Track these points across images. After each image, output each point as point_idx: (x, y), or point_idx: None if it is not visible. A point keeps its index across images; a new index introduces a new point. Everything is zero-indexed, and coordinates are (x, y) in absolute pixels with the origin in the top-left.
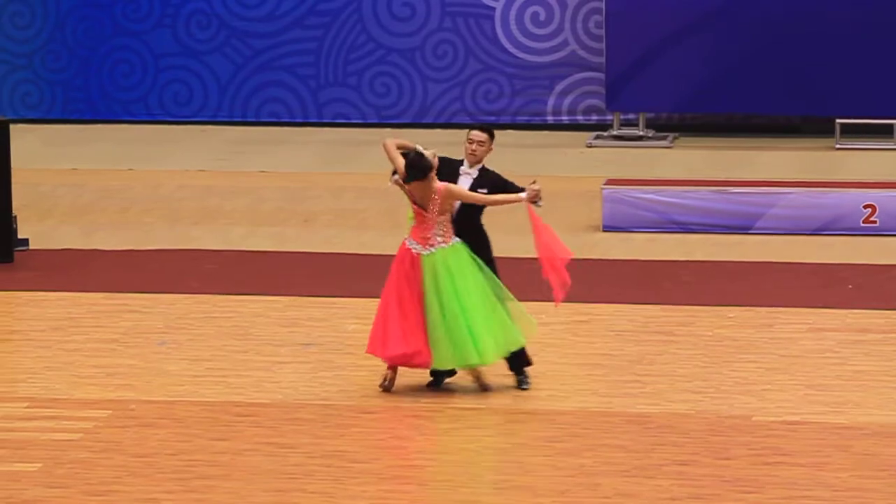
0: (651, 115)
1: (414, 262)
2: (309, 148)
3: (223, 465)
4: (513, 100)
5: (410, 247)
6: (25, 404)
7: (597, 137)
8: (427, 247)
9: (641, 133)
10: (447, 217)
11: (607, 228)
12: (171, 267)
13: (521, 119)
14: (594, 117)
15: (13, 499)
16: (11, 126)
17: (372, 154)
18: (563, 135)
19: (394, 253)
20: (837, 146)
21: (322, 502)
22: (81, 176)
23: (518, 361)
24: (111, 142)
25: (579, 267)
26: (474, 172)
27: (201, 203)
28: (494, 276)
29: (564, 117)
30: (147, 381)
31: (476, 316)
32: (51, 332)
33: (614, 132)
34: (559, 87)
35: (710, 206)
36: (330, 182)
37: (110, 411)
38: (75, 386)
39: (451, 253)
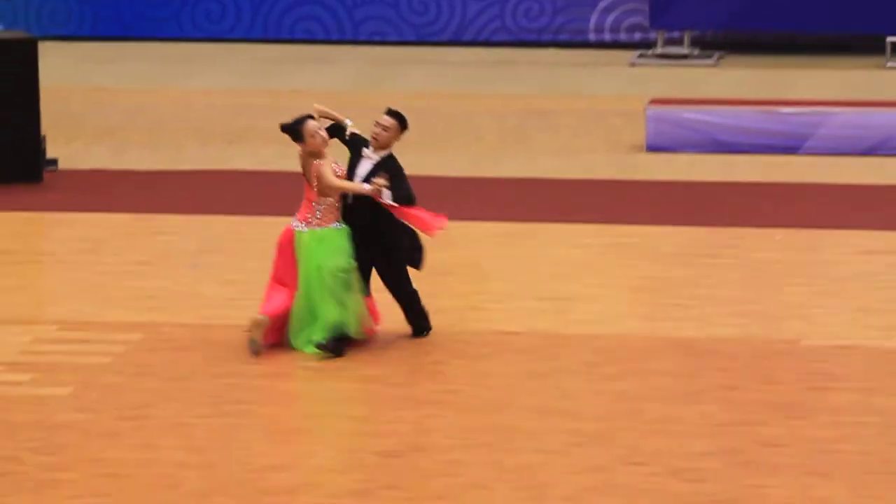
0: (696, 32)
1: (291, 238)
2: (344, 67)
3: (258, 389)
4: (554, 17)
5: (293, 223)
6: (55, 327)
7: (640, 56)
8: (304, 225)
9: (686, 52)
10: (331, 202)
11: (651, 149)
12: (203, 188)
13: (563, 37)
14: (637, 35)
15: (44, 423)
16: (39, 44)
17: (409, 73)
18: (606, 53)
19: (438, 174)
20: (888, 65)
21: (359, 427)
22: (111, 95)
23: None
24: (141, 60)
25: (622, 188)
26: (376, 157)
27: (233, 123)
28: (350, 269)
29: (607, 35)
30: (179, 304)
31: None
32: (81, 254)
33: (658, 51)
34: (602, 5)
35: (756, 127)
36: (365, 102)
37: (142, 335)
38: (106, 308)
39: (323, 236)
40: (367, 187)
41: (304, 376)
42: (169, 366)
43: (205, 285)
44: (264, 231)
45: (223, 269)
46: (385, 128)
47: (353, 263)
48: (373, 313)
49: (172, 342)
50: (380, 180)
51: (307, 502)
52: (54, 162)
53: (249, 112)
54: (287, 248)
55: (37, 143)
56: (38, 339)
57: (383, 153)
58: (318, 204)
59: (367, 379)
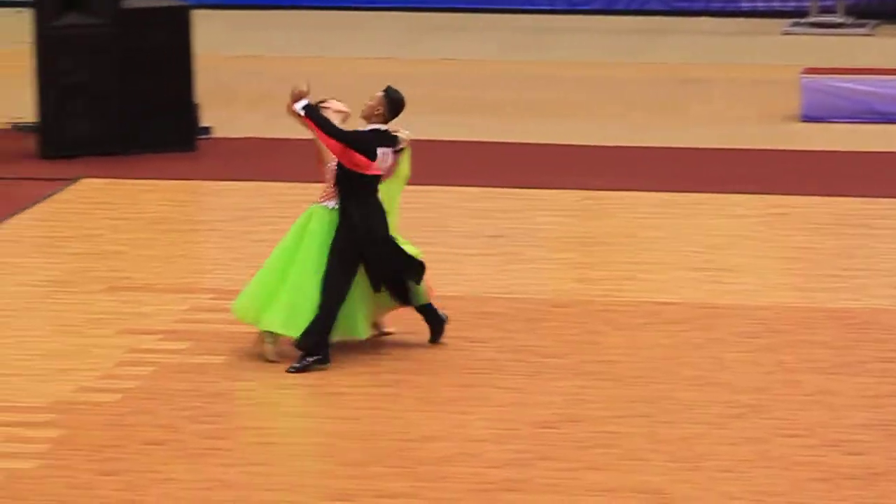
0: (850, 1)
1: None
2: (493, 35)
3: (412, 359)
4: None
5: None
6: (210, 296)
7: (794, 24)
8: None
9: (840, 20)
10: (330, 172)
11: (806, 119)
12: None
13: (716, 6)
14: (791, 4)
15: (200, 391)
16: (193, 12)
17: (560, 42)
18: (759, 22)
19: (590, 143)
20: None
21: (513, 398)
22: (264, 63)
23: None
24: (294, 28)
25: (776, 158)
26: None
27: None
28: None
29: (760, 3)
30: None
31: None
32: (235, 223)
33: (812, 19)
34: None
35: None
36: (516, 70)
37: None
38: None
39: (318, 214)
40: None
41: (457, 346)
42: None
43: None
44: (420, 200)
45: None
46: (371, 98)
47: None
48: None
49: None
50: (300, 86)
51: (462, 472)
52: (208, 130)
53: (401, 80)
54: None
55: (191, 111)
56: (195, 307)
57: (369, 126)
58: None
59: (521, 349)
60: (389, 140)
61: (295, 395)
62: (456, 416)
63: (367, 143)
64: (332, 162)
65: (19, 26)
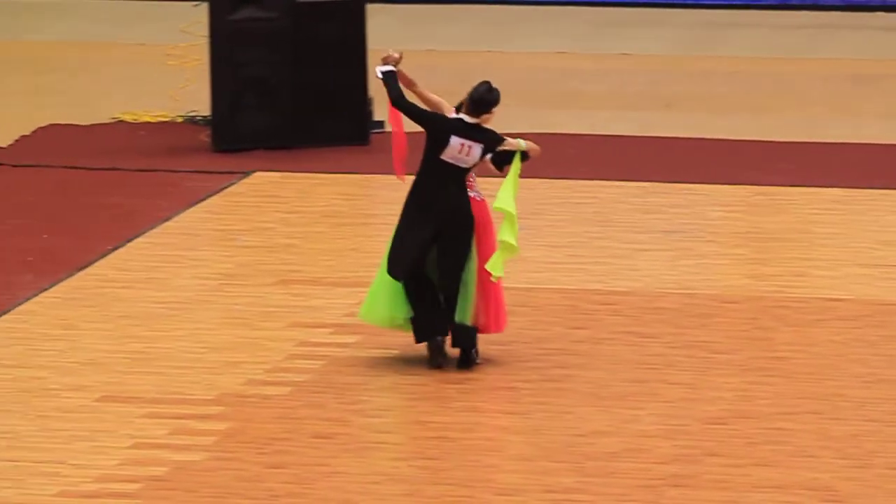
0: None
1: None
2: (670, 30)
3: (582, 354)
4: None
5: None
6: None
7: None
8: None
9: None
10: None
11: None
12: None
13: (893, 1)
14: None
15: (370, 384)
16: (367, 5)
17: (735, 38)
18: None
19: (764, 139)
20: None
21: (684, 393)
22: (438, 57)
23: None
24: (467, 23)
25: None
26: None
27: (562, 86)
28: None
29: None
30: (505, 267)
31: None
32: None
33: None
34: None
35: None
36: (693, 66)
37: None
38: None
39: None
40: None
41: (627, 341)
42: None
43: (529, 249)
44: (591, 195)
45: (549, 232)
46: None
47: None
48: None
49: None
50: (394, 52)
51: (630, 468)
52: (381, 124)
53: (578, 75)
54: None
55: (364, 105)
56: None
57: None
58: None
59: (692, 345)
60: (479, 134)
61: (465, 389)
62: (625, 412)
63: (428, 120)
64: None
65: (195, 20)
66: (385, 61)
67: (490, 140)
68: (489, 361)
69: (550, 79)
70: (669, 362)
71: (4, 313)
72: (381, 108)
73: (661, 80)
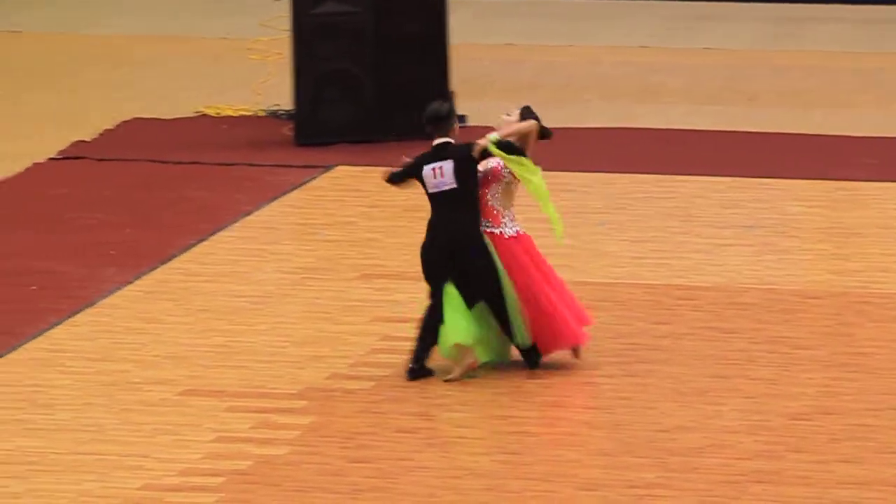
0: None
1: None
2: (752, 25)
3: (664, 349)
4: None
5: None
6: None
7: None
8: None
9: None
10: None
11: None
12: (611, 145)
13: None
14: None
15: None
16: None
17: (818, 31)
18: None
19: (844, 133)
20: None
21: (765, 389)
22: (518, 51)
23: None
24: (547, 16)
25: None
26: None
27: (642, 80)
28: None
29: None
30: (586, 262)
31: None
32: None
33: None
34: None
35: None
36: (774, 60)
37: None
38: None
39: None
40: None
41: (709, 336)
42: None
43: (612, 244)
44: (672, 189)
45: (630, 227)
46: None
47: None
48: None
49: (580, 300)
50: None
51: (713, 463)
52: (463, 118)
53: (658, 70)
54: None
55: (446, 99)
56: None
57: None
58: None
59: (774, 340)
60: (445, 152)
61: (546, 384)
62: (707, 407)
63: (408, 171)
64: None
65: (278, 14)
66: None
67: (458, 152)
68: (570, 357)
69: (631, 73)
70: (751, 358)
71: (88, 306)
72: (463, 103)
73: (741, 74)
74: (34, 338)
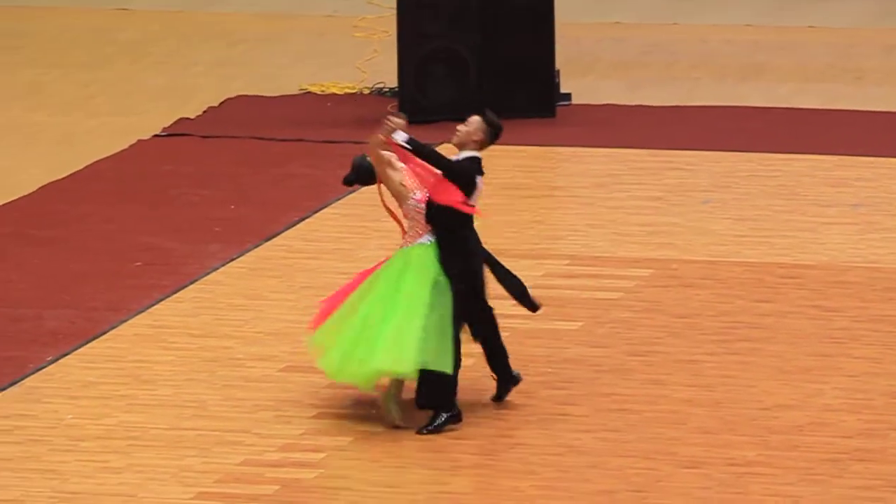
0: None
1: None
2: (859, 2)
3: (766, 327)
4: None
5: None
6: (566, 262)
7: None
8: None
9: None
10: (409, 207)
11: None
12: (717, 124)
13: None
14: None
15: (554, 357)
16: None
17: None
18: None
19: None
20: None
21: (868, 368)
22: (625, 30)
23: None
24: None
25: None
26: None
27: (748, 59)
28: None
29: None
30: (689, 240)
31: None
32: (593, 189)
33: None
34: None
35: None
36: (881, 38)
37: (652, 270)
38: (617, 244)
39: (415, 253)
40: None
41: (812, 314)
42: (678, 302)
43: (715, 222)
44: (777, 168)
45: (734, 205)
46: (469, 122)
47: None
48: None
49: (682, 278)
50: (395, 118)
51: (814, 441)
52: (568, 96)
53: (764, 48)
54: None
55: (551, 77)
56: (549, 273)
57: (463, 154)
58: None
59: (876, 319)
60: (480, 169)
61: (649, 362)
62: (810, 386)
63: (468, 174)
64: (412, 198)
65: None
66: (394, 129)
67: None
68: (674, 334)
69: (737, 51)
70: (854, 336)
71: (192, 283)
72: (569, 81)
73: (848, 52)
74: (138, 313)
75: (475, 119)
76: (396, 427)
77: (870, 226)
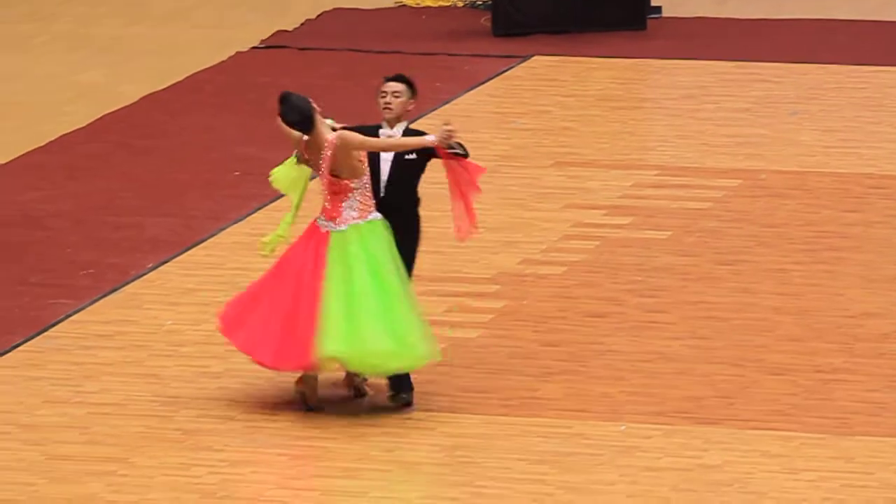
0: None
1: (321, 240)
2: None
3: (853, 237)
4: None
5: (319, 224)
6: (655, 172)
7: None
8: (337, 223)
9: None
10: (361, 183)
11: None
12: (804, 36)
13: None
14: None
15: (644, 265)
16: None
17: None
18: None
19: None
20: None
21: None
22: None
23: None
24: None
25: None
26: (397, 132)
27: None
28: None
29: None
30: (777, 151)
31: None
32: (682, 101)
33: None
34: None
35: None
36: None
37: (740, 181)
38: (706, 155)
39: (367, 230)
40: (430, 137)
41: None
42: (766, 212)
43: (803, 133)
44: (864, 80)
45: (821, 117)
46: (395, 93)
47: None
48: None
49: (770, 189)
50: (448, 126)
51: None
52: (658, 10)
53: None
54: (295, 261)
55: None
56: (639, 183)
57: (401, 126)
58: (354, 192)
59: None
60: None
61: (737, 270)
62: None
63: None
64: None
65: None
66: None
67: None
68: (762, 244)
69: None
70: None
71: None
72: None
73: None
74: (237, 222)
75: (401, 88)
76: (310, 409)
77: None
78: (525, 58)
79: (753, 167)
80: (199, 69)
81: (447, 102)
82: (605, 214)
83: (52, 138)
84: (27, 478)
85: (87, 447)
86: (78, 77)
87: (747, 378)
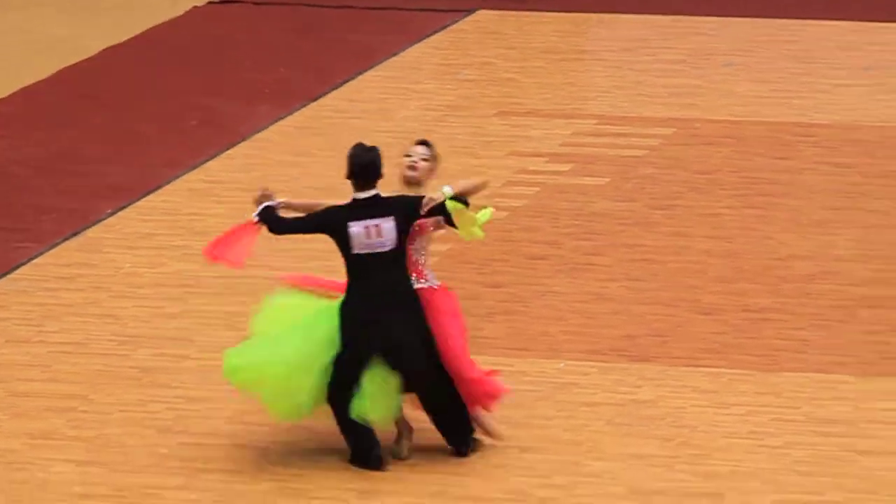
0: None
1: None
2: None
3: (783, 183)
4: None
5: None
6: (594, 121)
7: None
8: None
9: None
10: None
11: None
12: None
13: None
14: None
15: (583, 210)
16: None
17: None
18: None
19: None
20: None
21: (878, 220)
22: None
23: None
24: None
25: None
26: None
27: None
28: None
29: None
30: (712, 101)
31: None
32: (620, 53)
33: None
34: None
35: None
36: None
37: (675, 129)
38: (642, 104)
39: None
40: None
41: (826, 171)
42: (700, 159)
43: (737, 83)
44: (794, 33)
45: (755, 68)
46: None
47: None
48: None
49: (704, 137)
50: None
51: (825, 290)
52: None
53: None
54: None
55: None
56: (578, 132)
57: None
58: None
59: (887, 174)
60: (382, 207)
61: (671, 215)
62: (822, 237)
63: (318, 223)
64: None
65: None
66: (260, 200)
67: (401, 206)
68: (695, 189)
69: None
70: (865, 191)
71: (242, 141)
72: None
73: None
74: (192, 169)
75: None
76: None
77: (880, 87)
78: (470, 11)
79: (688, 116)
80: (156, 23)
81: (396, 55)
82: (547, 162)
83: (15, 89)
84: None
85: (48, 385)
86: (42, 31)
87: (679, 317)
